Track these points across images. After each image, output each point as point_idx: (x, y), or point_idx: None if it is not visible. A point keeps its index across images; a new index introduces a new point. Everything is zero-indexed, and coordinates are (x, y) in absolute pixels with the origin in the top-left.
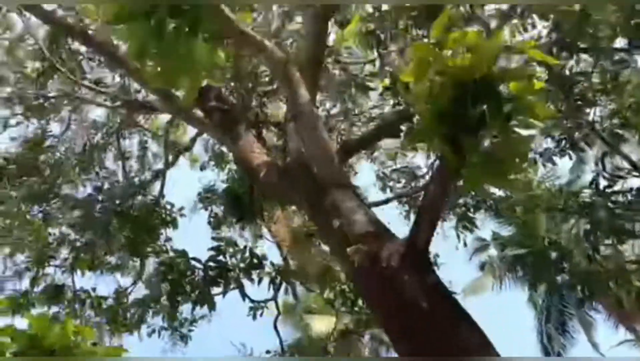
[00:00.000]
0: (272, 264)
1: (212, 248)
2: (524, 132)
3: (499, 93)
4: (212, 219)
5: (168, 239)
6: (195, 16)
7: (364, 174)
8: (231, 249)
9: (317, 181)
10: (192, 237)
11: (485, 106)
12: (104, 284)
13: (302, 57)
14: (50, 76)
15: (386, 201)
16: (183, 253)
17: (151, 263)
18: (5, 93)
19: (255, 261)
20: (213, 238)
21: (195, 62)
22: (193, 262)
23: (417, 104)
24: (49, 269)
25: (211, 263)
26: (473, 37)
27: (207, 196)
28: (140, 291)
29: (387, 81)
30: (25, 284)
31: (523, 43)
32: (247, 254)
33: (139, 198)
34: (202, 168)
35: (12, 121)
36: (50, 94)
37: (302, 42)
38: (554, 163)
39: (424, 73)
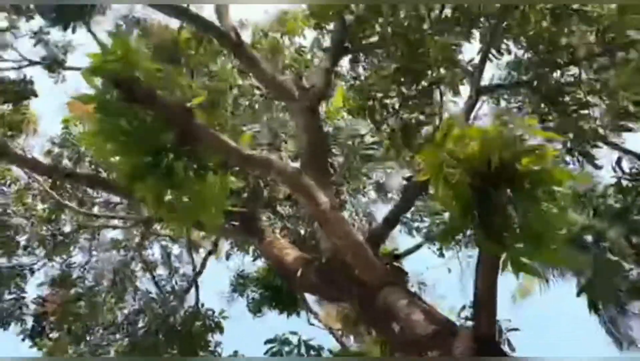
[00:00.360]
0: (331, 351)
1: (267, 352)
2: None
3: (517, 172)
4: (250, 305)
5: (218, 343)
6: (199, 153)
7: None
8: (287, 348)
9: (362, 282)
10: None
11: (508, 190)
12: None
13: (303, 151)
14: (62, 212)
15: (418, 247)
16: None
17: None
18: (23, 240)
19: (312, 352)
20: (266, 342)
21: (210, 195)
22: None
23: (442, 201)
24: None
25: None
26: (475, 133)
27: (240, 283)
28: None
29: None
30: None
31: (525, 121)
32: (303, 348)
33: (178, 305)
34: (228, 257)
35: (36, 266)
36: (65, 230)
37: (299, 137)
38: (567, 163)
39: (438, 171)
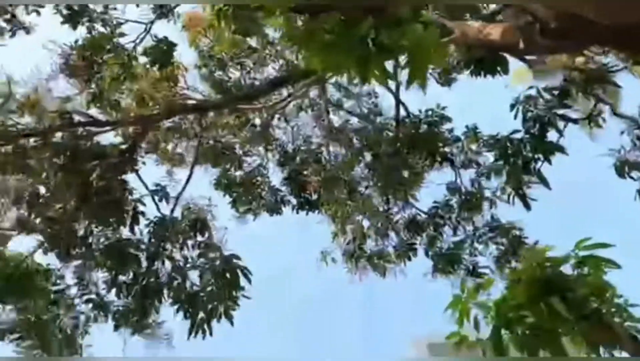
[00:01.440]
0: None
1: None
2: None
3: None
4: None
5: (450, 130)
6: (393, 15)
7: None
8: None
9: (601, 24)
10: None
11: None
12: None
13: None
14: (248, 114)
15: None
16: None
17: None
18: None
19: None
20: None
21: (425, 40)
22: None
23: None
24: None
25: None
26: None
27: None
28: None
29: None
30: None
31: None
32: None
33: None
34: None
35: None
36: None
37: None
38: None
39: None
